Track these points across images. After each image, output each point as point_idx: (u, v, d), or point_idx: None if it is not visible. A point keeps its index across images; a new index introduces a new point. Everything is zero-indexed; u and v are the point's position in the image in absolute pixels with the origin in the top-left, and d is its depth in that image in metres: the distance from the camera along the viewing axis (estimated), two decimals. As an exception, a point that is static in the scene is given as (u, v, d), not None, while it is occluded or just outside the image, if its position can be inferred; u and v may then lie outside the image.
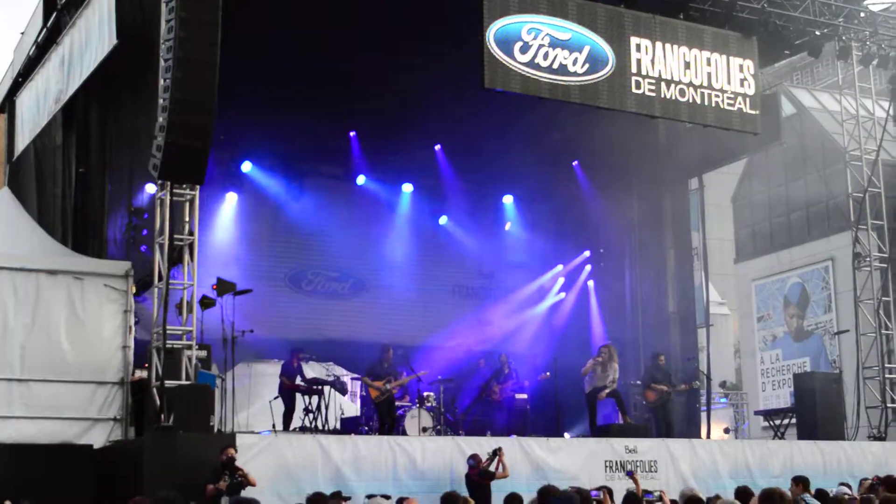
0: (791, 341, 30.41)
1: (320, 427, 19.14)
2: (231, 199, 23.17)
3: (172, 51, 14.10)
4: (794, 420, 21.00)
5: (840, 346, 25.68)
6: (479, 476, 15.05)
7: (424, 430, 18.39)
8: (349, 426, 19.30)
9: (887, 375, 20.67)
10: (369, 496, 8.03)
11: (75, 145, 18.88)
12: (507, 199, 26.12)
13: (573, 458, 16.59)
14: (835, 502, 11.89)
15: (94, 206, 18.49)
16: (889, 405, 20.43)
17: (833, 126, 26.99)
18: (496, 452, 15.33)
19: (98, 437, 15.83)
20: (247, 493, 12.84)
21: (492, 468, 15.23)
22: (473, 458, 15.24)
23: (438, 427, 18.97)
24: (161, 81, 14.33)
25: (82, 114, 18.84)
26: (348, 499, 12.87)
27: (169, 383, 14.67)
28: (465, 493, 13.51)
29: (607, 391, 19.34)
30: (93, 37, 16.77)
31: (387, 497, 9.22)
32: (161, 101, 14.24)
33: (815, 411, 19.82)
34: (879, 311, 20.82)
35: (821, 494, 13.52)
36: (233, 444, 13.90)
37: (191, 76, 14.14)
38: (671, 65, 18.73)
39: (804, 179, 29.44)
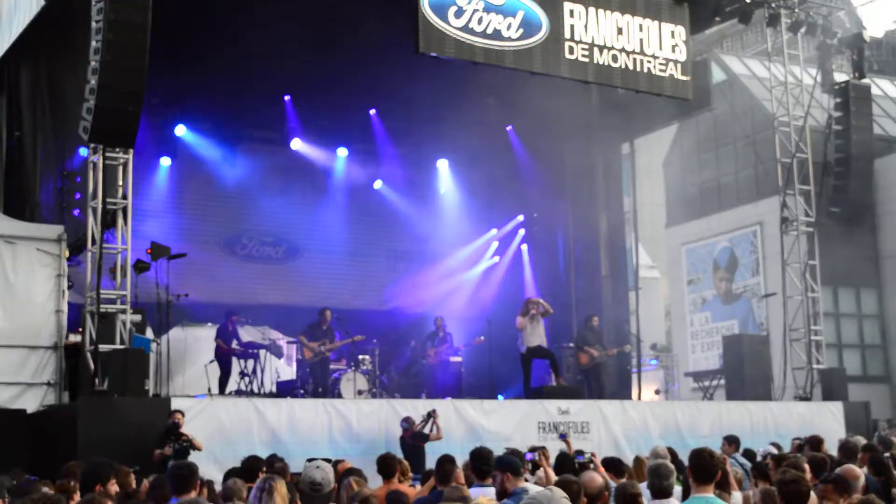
0: (720, 304, 30.86)
1: (256, 391, 19.17)
2: (165, 163, 22.98)
3: (103, 13, 13.97)
4: (722, 381, 21.39)
5: (767, 309, 26.07)
6: (413, 438, 15.18)
7: (360, 392, 18.49)
8: (285, 389, 19.34)
9: (813, 337, 21.00)
10: (310, 460, 8.07)
11: (6, 108, 18.63)
12: (442, 164, 26.20)
13: (507, 419, 16.80)
14: (759, 461, 12.14)
15: (26, 169, 18.30)
16: (815, 366, 20.80)
17: (762, 93, 27.34)
18: (430, 414, 15.48)
19: (31, 402, 15.75)
20: (192, 458, 12.87)
21: (426, 430, 15.38)
22: (406, 421, 15.37)
23: (374, 390, 19.08)
24: (92, 43, 14.19)
25: (13, 76, 18.59)
26: (282, 461, 12.94)
27: (103, 347, 14.64)
28: (399, 454, 13.66)
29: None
30: (22, -3, 16.57)
31: (328, 460, 9.29)
32: (92, 63, 14.10)
33: (743, 373, 20.21)
34: (806, 274, 21.16)
35: (748, 454, 13.88)
36: (169, 407, 13.94)
37: (122, 38, 14.02)
38: (604, 30, 18.88)
39: (733, 145, 29.84)
